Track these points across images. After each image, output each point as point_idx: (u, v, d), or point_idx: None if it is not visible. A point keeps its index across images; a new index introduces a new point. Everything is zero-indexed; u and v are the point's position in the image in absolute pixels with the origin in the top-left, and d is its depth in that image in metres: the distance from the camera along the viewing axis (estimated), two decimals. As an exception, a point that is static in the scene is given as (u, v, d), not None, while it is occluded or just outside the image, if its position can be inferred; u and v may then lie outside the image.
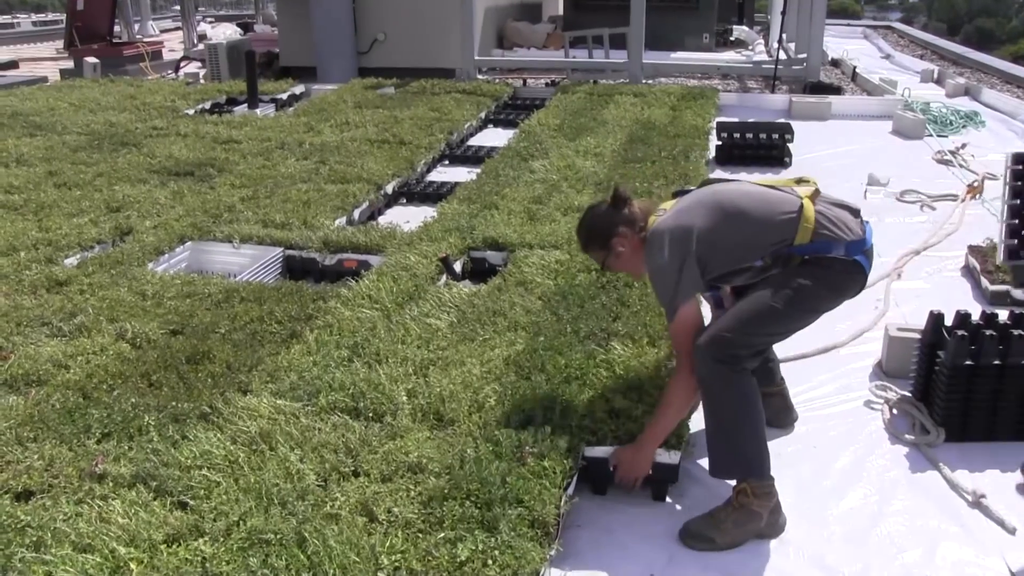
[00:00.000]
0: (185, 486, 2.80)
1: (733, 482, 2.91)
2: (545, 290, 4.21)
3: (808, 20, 10.67)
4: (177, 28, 17.91)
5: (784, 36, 11.62)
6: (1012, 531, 2.94)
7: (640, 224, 3.03)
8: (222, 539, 2.55)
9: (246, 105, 9.32)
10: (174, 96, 9.63)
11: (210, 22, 19.55)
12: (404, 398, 3.26)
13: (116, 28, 14.55)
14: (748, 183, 3.10)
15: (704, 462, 3.09)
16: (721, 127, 7.52)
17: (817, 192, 2.94)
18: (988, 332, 3.39)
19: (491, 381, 3.38)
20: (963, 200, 6.23)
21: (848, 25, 20.07)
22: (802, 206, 2.86)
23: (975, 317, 3.59)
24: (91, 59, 12.09)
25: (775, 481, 2.88)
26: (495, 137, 8.30)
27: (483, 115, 8.89)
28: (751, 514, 2.83)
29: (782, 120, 8.18)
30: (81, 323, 4.03)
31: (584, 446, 3.02)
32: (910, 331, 3.86)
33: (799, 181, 3.03)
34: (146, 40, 14.74)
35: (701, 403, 2.98)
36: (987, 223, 5.77)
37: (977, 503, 3.07)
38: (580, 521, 2.94)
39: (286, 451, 2.96)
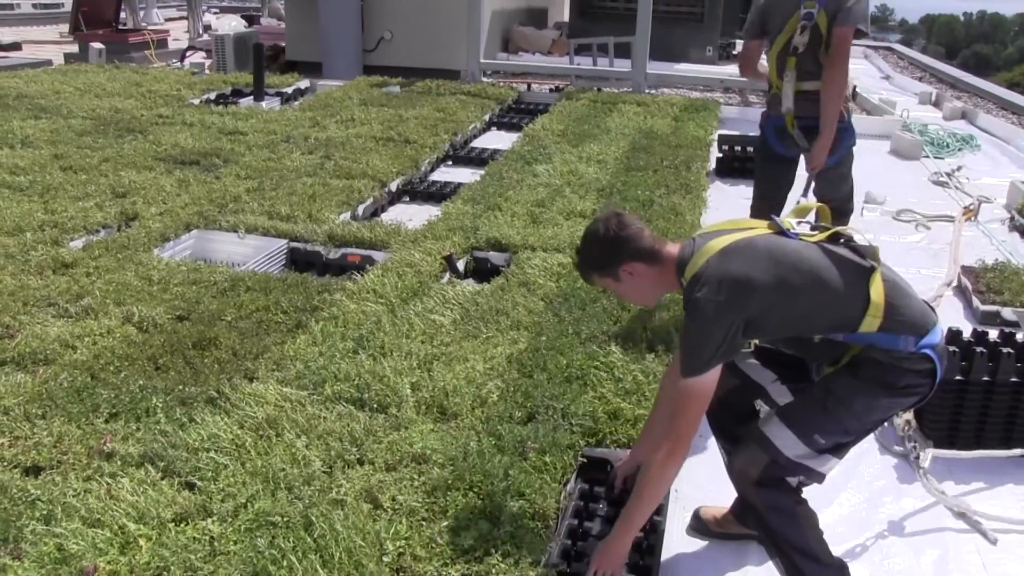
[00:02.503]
0: (193, 467, 2.86)
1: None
2: (547, 291, 4.29)
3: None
4: (182, 17, 17.92)
5: (787, 52, 11.72)
6: (993, 541, 3.03)
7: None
8: (230, 520, 2.61)
9: (252, 97, 9.36)
10: (180, 85, 9.66)
11: (215, 13, 19.57)
12: (408, 391, 3.33)
13: (122, 15, 14.56)
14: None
15: (694, 463, 3.17)
16: (722, 140, 7.61)
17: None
18: (979, 349, 3.48)
19: (494, 377, 3.46)
20: (960, 222, 6.32)
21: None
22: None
23: (966, 335, 3.68)
24: (96, 44, 12.11)
25: None
26: (499, 140, 8.37)
27: (487, 118, 8.96)
28: None
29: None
30: (88, 305, 4.08)
31: (583, 445, 3.09)
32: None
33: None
34: (151, 28, 14.76)
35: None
36: (980, 244, 5.88)
37: (961, 514, 3.15)
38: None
39: (292, 437, 3.02)
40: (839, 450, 2.49)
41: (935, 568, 2.91)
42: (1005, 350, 3.49)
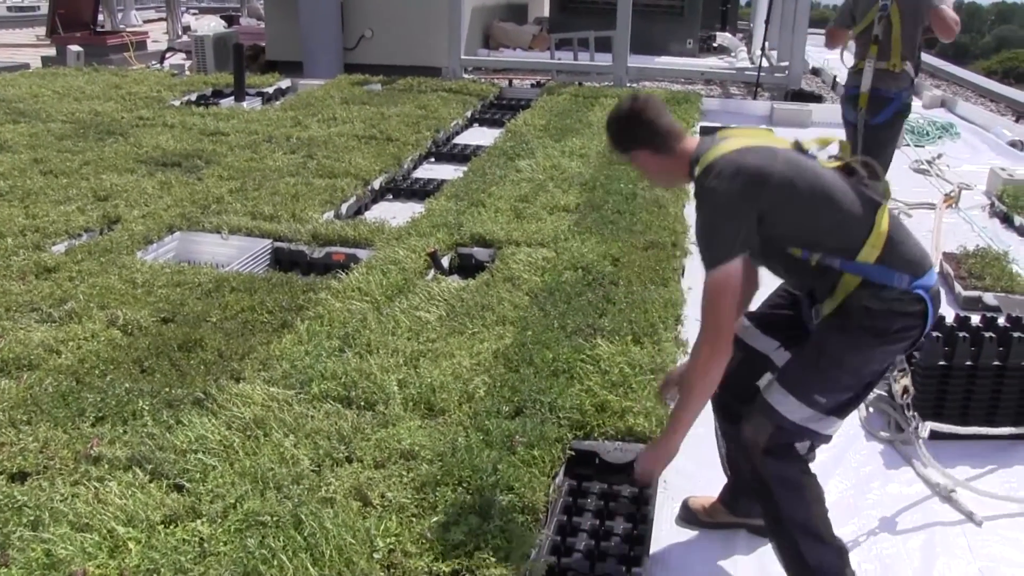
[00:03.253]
0: (181, 469, 2.85)
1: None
2: (532, 286, 4.29)
3: (791, 29, 10.80)
4: (161, 19, 17.82)
5: (767, 44, 11.77)
6: (979, 523, 3.07)
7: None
8: (219, 520, 2.61)
9: (232, 98, 9.32)
10: (160, 87, 9.61)
11: (194, 14, 19.48)
12: (395, 388, 3.33)
13: (100, 17, 14.47)
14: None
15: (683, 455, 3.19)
16: (704, 131, 7.62)
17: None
18: (961, 335, 3.52)
19: (480, 373, 3.46)
20: (941, 209, 6.36)
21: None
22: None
23: (949, 320, 3.71)
24: (74, 47, 12.02)
25: None
26: (481, 136, 8.36)
27: (469, 114, 8.95)
28: None
29: (764, 126, 8.29)
30: (71, 309, 4.06)
31: (571, 438, 3.10)
32: (887, 333, 3.96)
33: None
34: (130, 30, 14.66)
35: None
36: (961, 231, 5.92)
37: (948, 497, 3.19)
38: (567, 510, 3.01)
39: (280, 437, 3.02)
40: (842, 410, 2.50)
41: (922, 552, 2.94)
42: (987, 335, 3.53)
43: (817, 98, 10.39)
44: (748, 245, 2.40)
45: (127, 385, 3.37)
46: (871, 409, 3.76)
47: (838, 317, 2.47)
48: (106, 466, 2.89)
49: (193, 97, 9.35)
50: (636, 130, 2.58)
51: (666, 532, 2.97)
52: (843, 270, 2.43)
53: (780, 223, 2.43)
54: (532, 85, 10.88)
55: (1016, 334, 3.52)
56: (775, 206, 2.39)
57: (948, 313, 3.87)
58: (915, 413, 3.53)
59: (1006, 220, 6.20)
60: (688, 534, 2.98)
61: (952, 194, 6.60)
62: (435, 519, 2.59)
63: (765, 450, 2.50)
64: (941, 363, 3.50)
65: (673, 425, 2.53)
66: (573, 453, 3.08)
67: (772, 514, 2.55)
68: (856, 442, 3.56)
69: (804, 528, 2.50)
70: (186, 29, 15.38)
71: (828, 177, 2.45)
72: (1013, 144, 8.50)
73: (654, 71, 11.59)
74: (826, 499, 3.13)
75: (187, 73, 11.29)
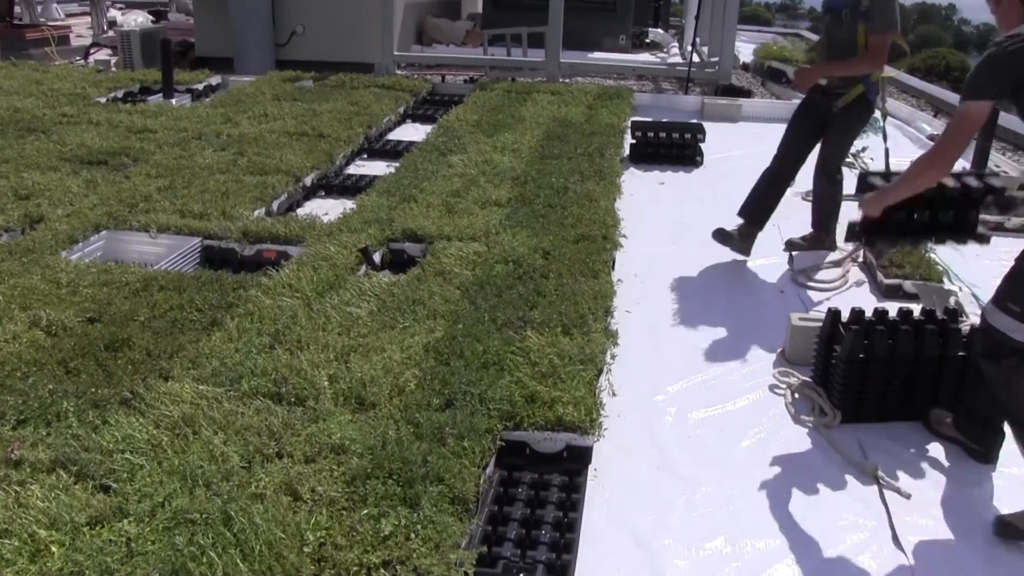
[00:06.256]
0: (107, 470, 2.82)
1: None
2: (463, 280, 4.31)
3: (720, 25, 10.97)
4: (84, 13, 17.36)
5: (697, 40, 11.94)
6: (907, 496, 3.20)
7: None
8: (147, 520, 2.59)
9: (161, 95, 9.15)
10: (84, 83, 9.37)
11: (120, 8, 19.02)
12: (326, 383, 3.33)
13: (16, 9, 14.07)
14: None
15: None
16: (636, 126, 7.71)
17: None
18: (879, 328, 3.64)
19: (411, 366, 3.48)
20: (862, 200, 6.54)
21: (759, 31, 20.64)
22: None
23: (868, 313, 3.83)
24: (-9, 40, 11.68)
25: None
26: (414, 132, 8.35)
27: (402, 110, 8.92)
28: None
29: (694, 121, 8.42)
30: (-9, 311, 3.96)
31: (501, 429, 3.14)
32: (811, 320, 4.08)
33: None
34: (51, 24, 14.27)
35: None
36: (883, 222, 6.09)
37: (874, 476, 3.30)
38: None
39: (209, 435, 3.00)
40: None
41: (852, 530, 3.04)
42: (903, 327, 3.66)
43: (747, 93, 10.58)
44: (993, 96, 2.93)
45: (51, 386, 3.31)
46: (796, 395, 3.87)
47: None
48: (28, 469, 2.83)
49: (120, 94, 9.15)
50: None
51: (596, 519, 3.02)
52: None
53: None
54: (465, 81, 10.89)
55: (929, 326, 3.67)
56: None
57: (872, 300, 4.00)
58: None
59: (925, 211, 6.39)
60: (618, 520, 3.04)
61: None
62: (365, 512, 2.61)
63: (979, 353, 3.06)
64: (861, 356, 3.61)
65: (891, 189, 3.32)
66: (503, 444, 3.12)
67: (998, 408, 3.13)
68: (783, 427, 3.66)
69: (1013, 415, 3.00)
70: (112, 24, 15.02)
71: None
72: (932, 138, 8.76)
73: (587, 67, 11.68)
74: (754, 481, 3.25)
75: (113, 69, 11.03)
